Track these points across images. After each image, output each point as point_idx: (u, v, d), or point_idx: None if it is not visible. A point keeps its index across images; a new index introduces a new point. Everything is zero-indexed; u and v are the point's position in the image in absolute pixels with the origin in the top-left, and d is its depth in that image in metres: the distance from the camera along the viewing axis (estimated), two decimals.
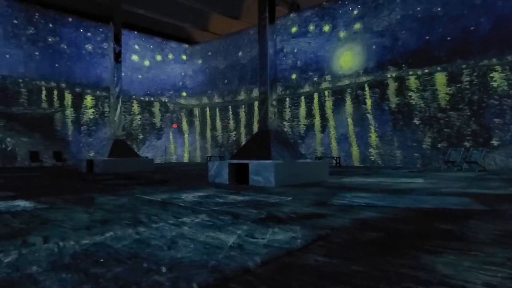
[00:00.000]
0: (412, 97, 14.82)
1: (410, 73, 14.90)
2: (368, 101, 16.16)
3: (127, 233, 2.59)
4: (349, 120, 16.73)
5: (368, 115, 16.11)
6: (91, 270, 1.77)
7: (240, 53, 22.07)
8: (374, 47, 16.04)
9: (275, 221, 3.03)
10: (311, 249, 2.13)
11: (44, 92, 18.30)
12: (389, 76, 15.53)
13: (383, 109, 15.65)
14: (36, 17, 18.27)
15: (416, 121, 14.62)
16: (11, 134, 17.12)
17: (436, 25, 14.26)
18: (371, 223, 2.94)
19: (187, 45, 25.12)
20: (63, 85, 19.02)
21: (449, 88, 13.85)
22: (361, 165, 16.07)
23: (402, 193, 5.18)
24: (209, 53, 23.97)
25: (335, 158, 16.25)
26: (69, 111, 19.13)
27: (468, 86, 13.42)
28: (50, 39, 18.69)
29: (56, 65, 18.83)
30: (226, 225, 2.86)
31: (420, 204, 4.08)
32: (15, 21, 17.56)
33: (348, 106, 16.84)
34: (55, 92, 18.69)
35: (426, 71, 14.47)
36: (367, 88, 16.22)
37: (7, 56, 17.22)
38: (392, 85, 15.42)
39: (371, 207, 3.84)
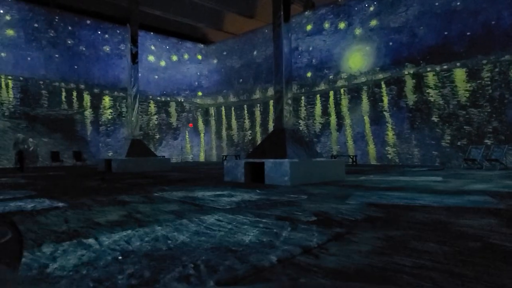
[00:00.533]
0: (431, 94, 14.53)
1: (428, 69, 14.62)
2: (385, 99, 15.93)
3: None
4: (366, 118, 16.54)
5: (385, 113, 15.89)
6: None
7: (255, 52, 22.08)
8: (390, 43, 15.80)
9: (289, 219, 3.03)
10: (327, 247, 2.12)
11: (64, 94, 18.74)
12: (406, 73, 15.28)
13: (400, 106, 15.41)
14: (56, 20, 18.70)
15: (435, 119, 14.33)
16: (33, 134, 17.59)
17: (455, 20, 13.94)
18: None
19: (202, 45, 25.28)
20: (82, 86, 19.43)
21: (469, 85, 13.53)
22: (378, 163, 15.87)
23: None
24: (224, 53, 24.07)
25: (351, 156, 16.09)
26: (88, 112, 19.53)
27: (489, 82, 13.08)
28: (69, 42, 19.12)
29: (75, 66, 19.25)
30: (244, 224, 2.87)
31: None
32: (36, 25, 18.03)
33: (365, 104, 16.64)
34: (75, 93, 19.11)
35: (445, 67, 14.17)
36: (383, 86, 16.00)
37: (29, 58, 17.70)
38: (410, 82, 15.16)
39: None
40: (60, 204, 4.10)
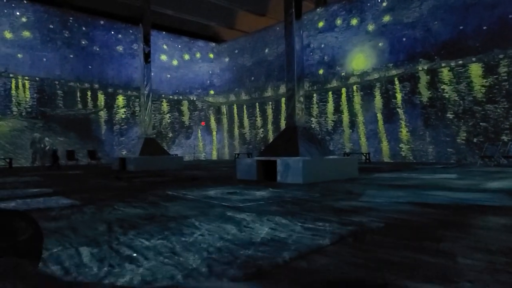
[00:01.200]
0: (445, 90, 14.30)
1: (443, 65, 14.38)
2: (398, 95, 15.74)
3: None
4: (379, 115, 16.37)
5: (398, 109, 15.70)
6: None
7: (266, 50, 22.05)
8: (404, 39, 15.59)
9: (303, 216, 3.03)
10: (340, 244, 2.12)
11: (78, 93, 19.05)
12: (420, 68, 15.05)
13: (414, 103, 15.20)
14: (71, 21, 19.01)
15: (450, 115, 14.10)
16: (49, 134, 17.94)
17: (470, 14, 13.67)
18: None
19: (214, 44, 25.36)
20: (96, 86, 19.72)
21: (485, 80, 13.26)
22: (392, 161, 15.70)
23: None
24: (236, 51, 24.09)
25: (364, 154, 15.96)
26: (102, 111, 19.82)
27: (505, 77, 12.79)
28: (83, 42, 19.41)
29: (90, 66, 19.54)
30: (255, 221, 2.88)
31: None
32: (51, 26, 18.35)
33: (377, 101, 16.47)
34: (89, 93, 19.40)
35: (460, 62, 13.91)
36: (397, 82, 15.80)
37: (44, 59, 18.04)
38: (424, 78, 14.93)
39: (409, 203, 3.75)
40: (83, 204, 4.18)
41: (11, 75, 17.07)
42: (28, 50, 17.61)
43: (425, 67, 14.89)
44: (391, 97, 15.99)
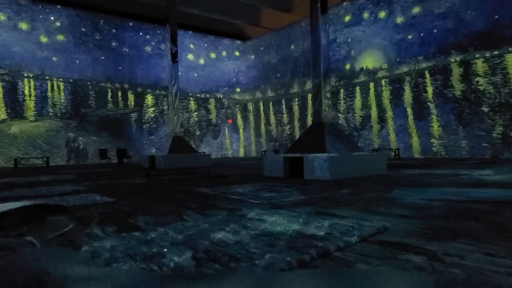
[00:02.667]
0: (480, 83, 13.72)
1: (477, 56, 13.80)
2: (429, 89, 15.25)
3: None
4: (409, 110, 15.93)
5: (429, 103, 15.22)
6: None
7: (292, 46, 21.92)
8: (435, 31, 15.07)
9: (330, 214, 3.02)
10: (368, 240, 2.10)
11: (109, 93, 19.67)
12: (452, 60, 14.52)
13: (446, 96, 14.68)
14: (101, 23, 19.63)
15: (485, 108, 13.53)
16: (82, 133, 18.65)
17: (506, 3, 13.02)
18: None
19: (239, 42, 25.47)
20: (126, 86, 20.29)
21: None
22: (422, 156, 15.26)
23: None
24: (262, 48, 24.10)
25: (393, 150, 15.59)
26: (134, 110, 20.37)
27: None
28: (113, 44, 20.00)
29: (120, 67, 20.13)
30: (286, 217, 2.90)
31: None
32: (83, 29, 19.03)
33: (407, 95, 16.03)
34: (120, 93, 20.00)
35: (496, 53, 13.30)
36: (427, 75, 15.31)
37: (77, 61, 18.74)
38: (456, 71, 14.39)
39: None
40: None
41: (46, 78, 17.85)
42: (62, 53, 18.34)
43: (458, 59, 14.35)
44: (421, 91, 15.52)
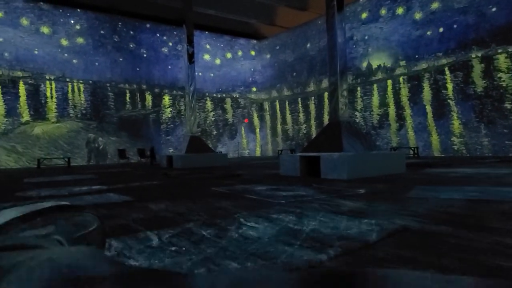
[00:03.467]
0: (502, 79, 13.34)
1: (499, 51, 13.42)
2: (449, 86, 14.92)
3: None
4: (428, 108, 15.63)
5: (449, 101, 14.89)
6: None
7: (308, 45, 21.81)
8: (455, 26, 14.73)
9: (348, 213, 3.00)
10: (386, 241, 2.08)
11: (128, 94, 20.02)
12: (473, 56, 14.17)
13: (467, 93, 14.34)
14: (119, 26, 19.99)
15: (508, 105, 13.15)
16: (102, 134, 19.04)
17: None
18: None
19: (255, 41, 25.50)
20: (144, 86, 20.60)
21: None
22: (443, 155, 14.95)
23: None
24: (277, 47, 24.07)
25: (412, 148, 15.33)
26: (150, 110, 20.68)
27: None
28: (131, 45, 20.34)
29: (137, 69, 20.45)
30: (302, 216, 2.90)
31: None
32: (102, 32, 19.42)
33: (426, 92, 15.73)
34: (138, 94, 20.32)
35: None
36: (447, 72, 14.99)
37: (96, 63, 19.15)
38: (478, 67, 14.04)
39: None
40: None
41: (67, 80, 18.30)
42: (82, 55, 18.77)
43: (479, 55, 13.99)
44: (441, 88, 15.20)
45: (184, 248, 2.02)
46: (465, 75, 14.43)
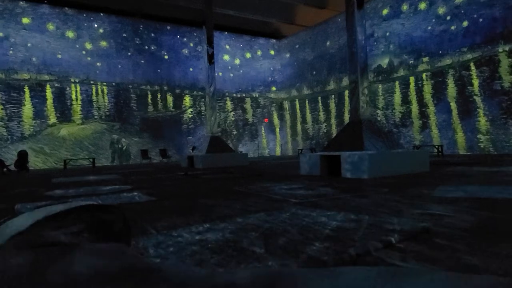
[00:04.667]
0: None
1: None
2: (475, 82, 14.48)
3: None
4: (452, 104, 15.22)
5: (475, 97, 14.46)
6: None
7: (328, 43, 21.62)
8: (481, 20, 14.28)
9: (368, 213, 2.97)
10: None
11: (149, 96, 20.38)
12: (500, 50, 13.69)
13: (494, 89, 13.88)
14: (141, 28, 20.37)
15: None
16: (125, 135, 19.46)
17: None
18: None
19: (274, 40, 25.48)
20: (165, 88, 20.93)
21: None
22: (468, 153, 14.53)
23: None
24: (297, 46, 23.96)
25: (436, 146, 14.97)
26: (173, 111, 20.99)
27: None
28: (152, 47, 20.70)
29: (159, 70, 20.80)
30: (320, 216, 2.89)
31: None
32: (124, 35, 19.84)
33: (451, 88, 15.32)
34: (159, 95, 20.66)
35: None
36: (473, 67, 14.55)
37: (119, 66, 19.58)
38: (505, 61, 13.56)
39: None
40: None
41: (91, 82, 18.80)
42: (105, 58, 19.25)
43: (506, 49, 13.51)
44: (466, 84, 14.77)
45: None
46: (491, 70, 13.97)
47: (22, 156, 14.48)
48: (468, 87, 14.69)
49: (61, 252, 0.38)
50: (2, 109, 16.63)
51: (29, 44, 17.42)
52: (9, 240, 0.48)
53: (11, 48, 17.05)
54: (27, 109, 17.18)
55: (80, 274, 0.32)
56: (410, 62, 16.91)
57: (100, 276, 0.32)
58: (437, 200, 3.49)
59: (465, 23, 14.80)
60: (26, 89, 17.24)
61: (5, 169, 13.31)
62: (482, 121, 14.22)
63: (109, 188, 6.05)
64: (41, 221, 0.57)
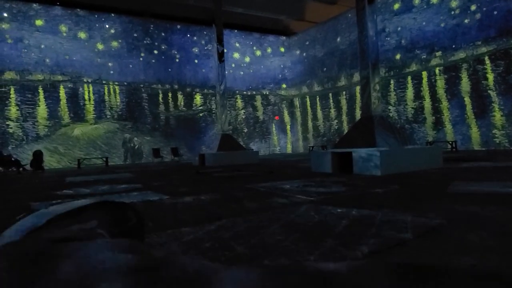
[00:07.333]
0: None
1: None
2: (490, 76, 14.20)
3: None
4: (466, 99, 14.96)
5: (490, 91, 14.18)
6: None
7: (338, 39, 21.45)
8: (495, 12, 13.99)
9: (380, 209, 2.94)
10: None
11: (160, 95, 20.53)
12: None
13: (509, 83, 13.59)
14: (151, 28, 20.52)
15: None
16: (137, 134, 19.65)
17: None
18: None
19: (284, 37, 25.39)
20: (176, 86, 21.06)
21: None
22: (483, 148, 14.28)
23: None
24: (307, 43, 23.83)
25: (450, 142, 14.75)
26: (184, 110, 21.11)
27: None
28: (163, 47, 20.83)
29: (169, 69, 20.93)
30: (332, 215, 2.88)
31: None
32: (135, 35, 20.02)
33: (464, 83, 15.05)
34: (170, 94, 20.80)
35: None
36: (487, 61, 14.27)
37: (130, 66, 19.77)
38: None
39: None
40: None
41: (103, 82, 19.03)
42: (116, 58, 19.45)
43: None
44: (480, 79, 14.50)
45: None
46: (507, 64, 13.69)
47: (37, 156, 14.74)
48: (483, 82, 14.42)
49: (76, 248, 0.39)
50: (17, 109, 16.96)
51: (42, 46, 17.70)
52: (25, 235, 0.49)
53: (25, 50, 17.36)
54: (42, 110, 17.48)
55: (94, 268, 0.33)
56: (423, 56, 16.67)
57: (114, 270, 0.33)
58: (447, 197, 3.44)
59: (479, 16, 14.52)
60: (40, 90, 17.54)
61: (21, 169, 13.58)
62: (497, 116, 13.96)
63: (124, 186, 6.13)
64: (57, 217, 0.58)
